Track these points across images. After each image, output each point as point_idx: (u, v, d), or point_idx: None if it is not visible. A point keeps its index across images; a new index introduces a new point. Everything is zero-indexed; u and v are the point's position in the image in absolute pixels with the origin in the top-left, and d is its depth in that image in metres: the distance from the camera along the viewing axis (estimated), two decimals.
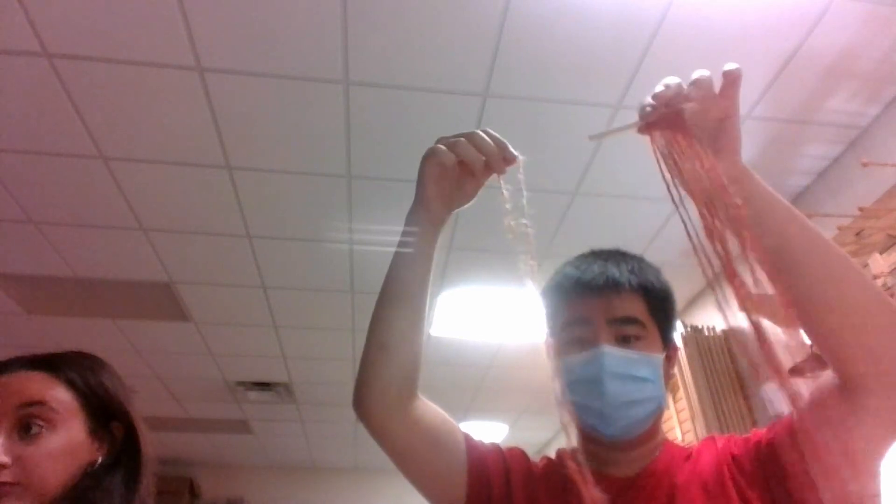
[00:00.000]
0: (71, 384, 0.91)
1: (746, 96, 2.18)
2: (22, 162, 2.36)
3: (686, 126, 0.70)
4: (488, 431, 5.44)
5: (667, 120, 0.71)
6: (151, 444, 0.96)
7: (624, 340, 0.88)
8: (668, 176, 0.71)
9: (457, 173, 0.86)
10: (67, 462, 0.86)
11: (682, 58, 2.01)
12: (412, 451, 0.89)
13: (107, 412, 0.93)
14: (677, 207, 0.69)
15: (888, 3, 1.85)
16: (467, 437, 0.94)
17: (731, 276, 0.64)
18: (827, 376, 0.75)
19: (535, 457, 1.00)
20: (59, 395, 0.89)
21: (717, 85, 0.75)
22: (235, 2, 1.81)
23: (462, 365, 4.14)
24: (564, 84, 2.11)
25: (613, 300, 0.88)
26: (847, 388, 0.72)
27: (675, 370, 3.20)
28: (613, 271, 0.90)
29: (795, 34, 1.96)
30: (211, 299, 3.37)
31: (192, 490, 6.03)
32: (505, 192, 0.82)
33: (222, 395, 4.65)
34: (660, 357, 0.90)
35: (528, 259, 0.76)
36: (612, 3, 1.84)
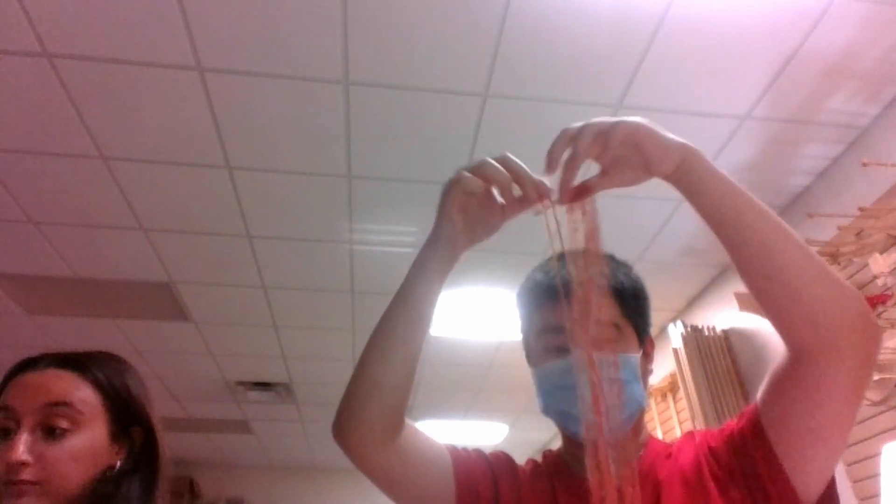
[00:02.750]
0: (98, 386, 0.90)
1: (746, 96, 2.18)
2: (22, 162, 2.36)
3: (590, 189, 0.77)
4: (488, 431, 5.44)
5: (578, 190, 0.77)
6: (168, 448, 0.96)
7: None
8: (557, 241, 0.77)
9: (482, 204, 0.84)
10: (88, 465, 0.86)
11: (682, 58, 2.01)
12: (396, 478, 0.88)
13: (129, 416, 0.93)
14: (559, 266, 0.77)
15: (888, 2, 1.85)
16: (453, 453, 0.93)
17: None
18: (782, 355, 0.77)
19: (535, 457, 1.00)
20: (86, 397, 0.89)
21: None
22: (235, 2, 1.81)
23: (462, 365, 4.15)
24: (564, 84, 2.11)
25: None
26: (797, 361, 0.74)
27: (669, 368, 3.17)
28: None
29: (795, 34, 1.96)
30: (211, 299, 3.37)
31: (192, 490, 6.03)
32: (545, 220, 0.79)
33: (222, 395, 4.66)
34: (637, 357, 0.91)
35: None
36: (612, 2, 1.84)
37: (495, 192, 0.84)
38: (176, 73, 2.02)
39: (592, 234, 0.76)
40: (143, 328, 3.67)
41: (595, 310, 0.73)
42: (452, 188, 0.82)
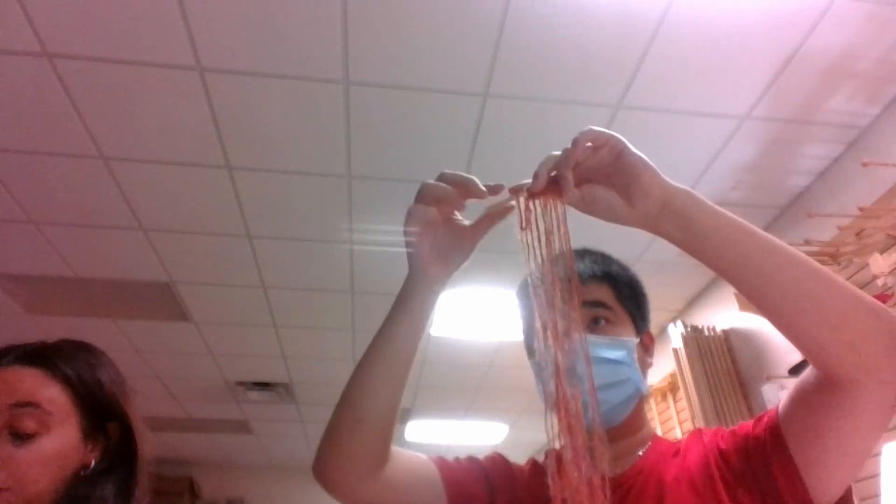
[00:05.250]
0: (67, 382, 0.85)
1: (746, 96, 2.18)
2: (22, 162, 2.36)
3: (561, 192, 0.72)
4: (488, 431, 5.44)
5: (549, 188, 0.73)
6: (149, 443, 0.91)
7: (594, 322, 0.91)
8: (526, 237, 0.74)
9: (448, 230, 0.82)
10: (59, 466, 0.82)
11: (682, 58, 2.01)
12: None
13: (103, 412, 0.87)
14: (527, 263, 0.74)
15: (888, 2, 1.85)
16: (441, 466, 0.92)
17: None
18: (809, 372, 0.76)
19: (535, 457, 0.99)
20: (54, 396, 0.83)
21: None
22: (235, 2, 1.81)
23: (462, 365, 4.15)
24: (565, 84, 2.11)
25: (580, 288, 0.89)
26: (833, 384, 0.72)
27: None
28: (577, 264, 0.92)
29: (795, 34, 1.96)
30: (211, 299, 3.37)
31: (192, 490, 6.02)
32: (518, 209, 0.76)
33: (222, 395, 4.65)
34: (632, 340, 0.92)
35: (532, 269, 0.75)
36: (612, 3, 1.84)
37: (458, 215, 0.83)
38: (176, 73, 2.02)
39: (558, 233, 0.73)
40: (143, 328, 3.67)
41: (559, 303, 0.72)
42: (407, 222, 0.80)
